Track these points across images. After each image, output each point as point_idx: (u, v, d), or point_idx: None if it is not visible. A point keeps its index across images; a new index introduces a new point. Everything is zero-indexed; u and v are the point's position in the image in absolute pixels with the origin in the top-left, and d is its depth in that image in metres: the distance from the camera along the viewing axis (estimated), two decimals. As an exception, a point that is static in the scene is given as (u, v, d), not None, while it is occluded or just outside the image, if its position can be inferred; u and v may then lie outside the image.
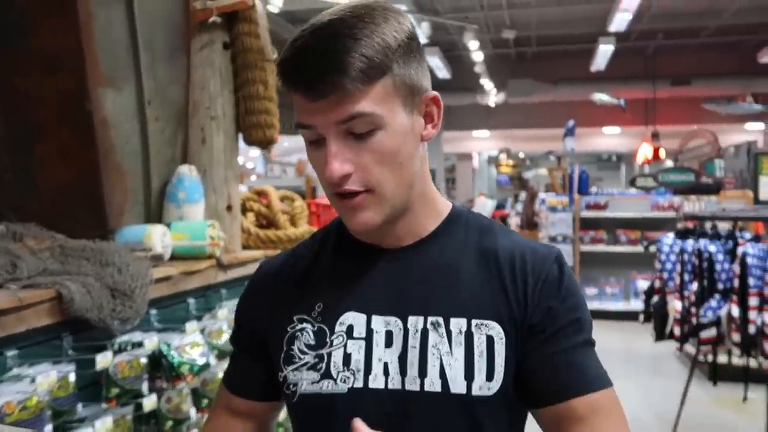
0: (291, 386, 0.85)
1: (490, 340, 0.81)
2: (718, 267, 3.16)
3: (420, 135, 0.83)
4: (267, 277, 0.94)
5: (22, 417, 1.16)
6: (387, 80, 0.77)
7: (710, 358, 3.73)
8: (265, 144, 2.31)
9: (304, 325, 0.86)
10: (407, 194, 0.83)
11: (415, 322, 0.83)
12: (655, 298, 3.68)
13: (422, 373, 0.81)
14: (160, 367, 1.58)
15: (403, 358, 0.82)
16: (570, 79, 12.58)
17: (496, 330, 0.82)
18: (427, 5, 9.30)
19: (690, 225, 3.77)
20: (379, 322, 0.84)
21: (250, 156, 16.91)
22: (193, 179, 2.07)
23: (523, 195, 11.72)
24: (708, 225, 3.62)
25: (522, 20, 10.69)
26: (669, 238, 3.66)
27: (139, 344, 1.52)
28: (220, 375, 1.45)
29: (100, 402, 1.44)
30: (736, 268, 3.05)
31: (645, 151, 13.08)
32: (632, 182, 9.37)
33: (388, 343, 0.83)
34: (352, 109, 0.76)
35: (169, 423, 1.59)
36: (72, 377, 1.33)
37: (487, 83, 12.69)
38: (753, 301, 2.96)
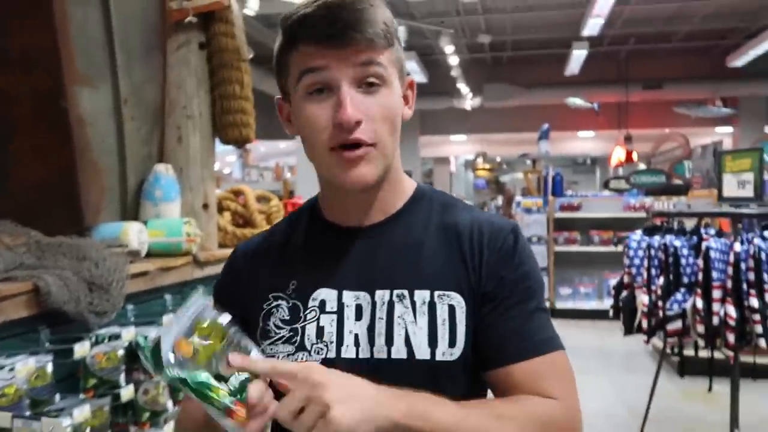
0: None
1: (451, 310, 0.87)
2: (683, 261, 3.26)
3: (402, 113, 0.90)
4: (243, 258, 0.99)
5: (1, 404, 1.19)
6: (392, 52, 0.86)
7: (677, 350, 3.83)
8: (242, 143, 2.34)
9: (280, 302, 0.91)
10: (393, 159, 0.89)
11: (383, 295, 0.88)
12: (624, 293, 3.78)
13: (389, 341, 0.86)
14: (138, 359, 1.60)
15: (371, 329, 0.87)
16: (545, 83, 12.76)
17: (457, 300, 0.87)
18: (403, 9, 9.39)
19: (658, 222, 3.88)
20: (349, 297, 0.89)
21: (227, 161, 16.85)
22: (170, 178, 2.10)
23: (500, 199, 11.86)
24: (676, 222, 3.74)
25: (497, 25, 10.83)
26: (637, 234, 3.76)
27: (117, 336, 1.55)
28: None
29: (78, 393, 1.46)
30: (700, 262, 3.15)
31: (618, 154, 13.33)
32: (606, 184, 9.56)
33: (358, 316, 0.88)
34: (373, 56, 0.83)
35: (147, 414, 1.62)
36: (49, 367, 1.36)
37: (463, 87, 12.81)
38: (716, 294, 3.06)
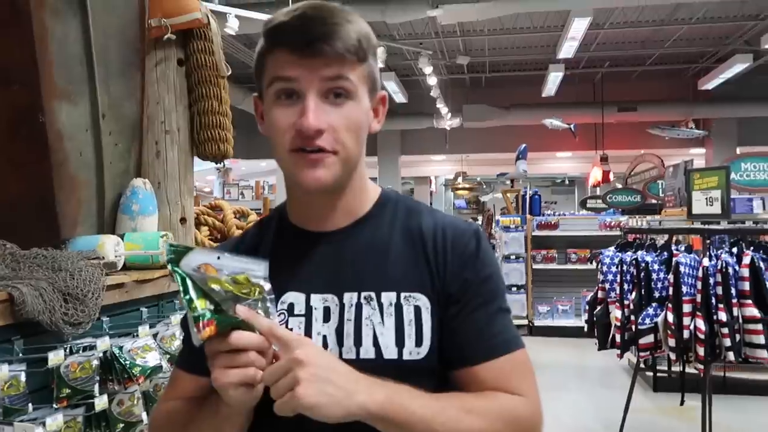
0: None
1: (417, 310, 0.90)
2: (654, 276, 3.34)
3: (369, 125, 0.94)
4: None
5: (-27, 412, 1.19)
6: (364, 67, 0.90)
7: (650, 365, 3.87)
8: (220, 158, 2.36)
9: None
10: (355, 167, 0.93)
11: (350, 297, 0.91)
12: (598, 308, 3.84)
13: (357, 342, 0.89)
14: (112, 370, 1.61)
15: (339, 331, 0.90)
16: (523, 104, 12.96)
17: (422, 301, 0.90)
18: (383, 30, 9.52)
19: (630, 239, 3.97)
20: (317, 300, 0.92)
21: (207, 180, 16.77)
22: (147, 192, 2.11)
23: (480, 219, 11.95)
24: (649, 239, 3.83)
25: (476, 47, 11.02)
26: (610, 251, 3.84)
27: (91, 347, 1.55)
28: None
29: (52, 403, 1.46)
30: (671, 277, 3.22)
31: (596, 174, 13.55)
32: (583, 204, 9.72)
33: (326, 318, 0.91)
34: (341, 71, 0.86)
35: (120, 425, 1.62)
36: (22, 377, 1.36)
37: (443, 108, 12.97)
38: (686, 308, 3.13)
